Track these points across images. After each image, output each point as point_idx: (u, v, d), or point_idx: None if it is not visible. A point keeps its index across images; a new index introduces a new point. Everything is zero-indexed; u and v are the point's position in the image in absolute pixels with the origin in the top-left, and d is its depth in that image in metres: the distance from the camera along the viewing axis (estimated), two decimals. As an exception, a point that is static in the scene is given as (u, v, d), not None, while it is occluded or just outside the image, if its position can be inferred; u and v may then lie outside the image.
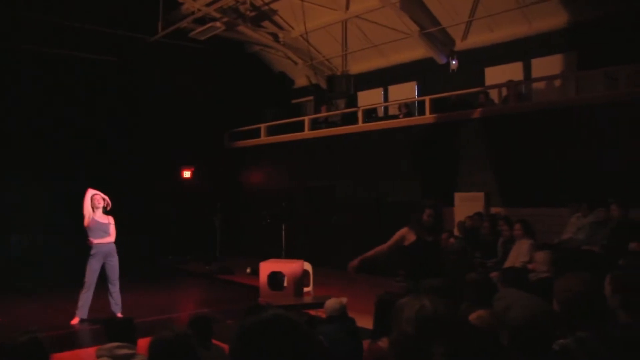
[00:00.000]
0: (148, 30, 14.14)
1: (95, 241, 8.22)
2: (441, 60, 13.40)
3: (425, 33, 13.14)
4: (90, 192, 8.45)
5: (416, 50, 13.83)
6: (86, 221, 8.32)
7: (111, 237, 8.31)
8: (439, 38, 13.40)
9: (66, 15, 13.04)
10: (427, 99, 12.44)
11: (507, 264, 8.01)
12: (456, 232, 10.41)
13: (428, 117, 12.19)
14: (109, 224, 8.35)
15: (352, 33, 14.94)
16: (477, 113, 11.26)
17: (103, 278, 8.40)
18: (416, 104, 13.74)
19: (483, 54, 12.80)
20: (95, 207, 8.34)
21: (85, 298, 8.25)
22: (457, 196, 11.26)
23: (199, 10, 13.66)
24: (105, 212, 8.43)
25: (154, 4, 13.79)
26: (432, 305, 1.89)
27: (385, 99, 15.35)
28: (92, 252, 8.28)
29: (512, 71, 12.18)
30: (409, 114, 13.14)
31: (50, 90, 13.68)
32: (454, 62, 12.95)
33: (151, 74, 14.74)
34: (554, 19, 11.55)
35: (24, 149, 13.24)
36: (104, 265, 8.34)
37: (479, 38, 12.96)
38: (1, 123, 13.08)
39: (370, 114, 14.28)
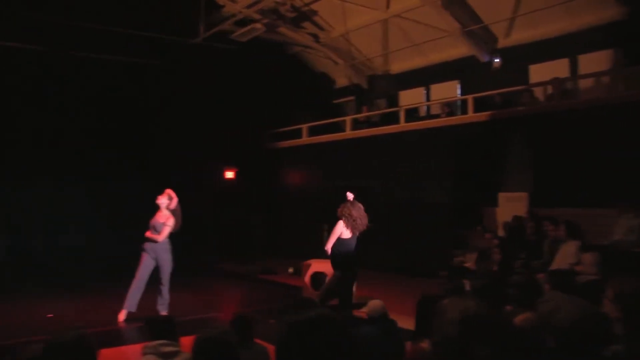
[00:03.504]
0: (189, 33, 14.34)
1: (146, 235, 8.42)
2: (483, 58, 13.20)
3: (467, 31, 12.96)
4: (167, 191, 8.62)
5: (458, 49, 13.65)
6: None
7: (158, 237, 8.42)
8: (481, 36, 13.20)
9: (109, 20, 13.32)
10: (469, 98, 12.27)
11: (554, 265, 7.85)
12: (500, 233, 10.25)
13: (470, 116, 12.03)
14: (163, 224, 8.45)
15: (393, 32, 14.84)
16: (521, 112, 11.05)
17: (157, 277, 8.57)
18: (458, 103, 13.57)
19: (527, 51, 12.54)
20: (160, 205, 8.52)
21: (133, 291, 8.41)
22: (501, 196, 11.07)
23: (240, 12, 13.78)
24: (171, 212, 8.55)
25: (194, 7, 13.97)
26: (476, 307, 1.86)
27: (428, 98, 15.20)
28: (144, 246, 8.47)
29: (557, 68, 11.90)
30: (451, 113, 12.99)
31: (95, 93, 14.00)
32: (496, 60, 12.74)
33: (193, 76, 14.94)
34: (602, 13, 11.22)
35: (71, 150, 13.60)
36: (156, 263, 8.49)
37: (522, 35, 12.71)
38: (49, 125, 13.43)
39: (412, 114, 14.16)
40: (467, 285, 5.21)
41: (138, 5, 13.67)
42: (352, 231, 6.92)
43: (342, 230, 6.88)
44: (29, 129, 13.28)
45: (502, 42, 13.11)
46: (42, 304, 9.59)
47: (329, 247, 7.06)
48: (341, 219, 7.03)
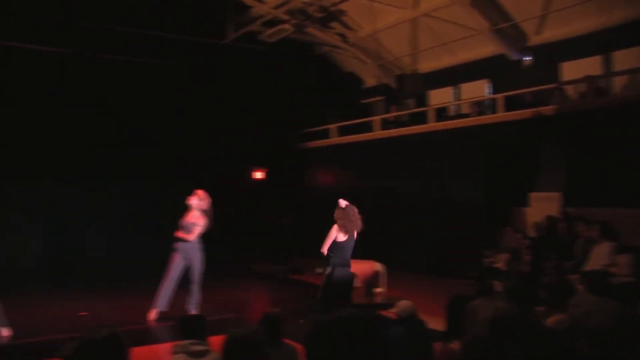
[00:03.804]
0: (218, 34, 14.45)
1: (177, 235, 8.51)
2: (514, 56, 13.03)
3: (497, 29, 12.82)
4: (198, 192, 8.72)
5: (487, 47, 13.51)
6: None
7: (189, 237, 8.50)
8: (511, 34, 13.04)
9: (138, 23, 13.50)
10: (499, 97, 12.14)
11: (587, 267, 7.71)
12: (531, 233, 10.11)
13: (500, 115, 11.89)
14: (195, 224, 8.54)
15: (422, 31, 14.75)
16: (552, 110, 10.89)
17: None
18: (488, 103, 13.43)
19: (558, 48, 12.35)
20: (191, 205, 8.61)
21: (164, 290, 8.51)
22: (532, 196, 10.92)
23: (268, 13, 13.83)
24: (203, 212, 8.64)
25: (223, 9, 14.07)
26: (507, 308, 1.83)
27: (457, 97, 15.07)
28: (175, 246, 8.57)
29: (589, 65, 11.70)
30: (480, 112, 12.87)
31: (125, 96, 14.21)
32: (527, 59, 12.57)
33: (222, 77, 15.05)
34: (635, 8, 10.95)
35: (102, 151, 13.82)
36: (187, 263, 8.58)
37: (553, 32, 12.51)
38: (81, 128, 13.65)
39: (441, 114, 14.06)
40: (498, 286, 5.16)
41: (167, 8, 13.84)
42: (346, 233, 7.18)
43: (336, 234, 7.19)
44: (65, 131, 13.53)
45: (533, 40, 12.93)
46: (76, 302, 9.76)
47: (324, 249, 7.33)
48: (336, 223, 7.32)
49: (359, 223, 7.35)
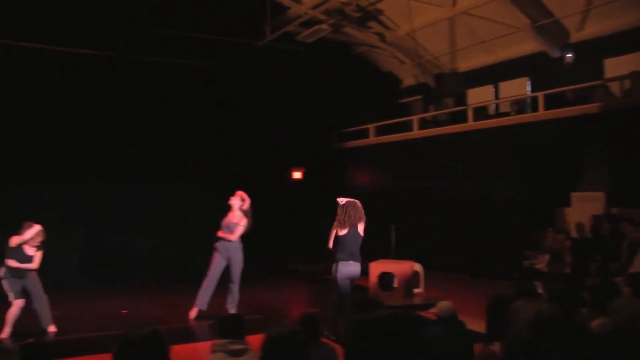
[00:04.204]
0: (255, 35, 14.55)
1: (219, 235, 8.61)
2: (555, 53, 12.77)
3: (537, 26, 12.59)
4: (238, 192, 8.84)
5: (527, 45, 13.28)
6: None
7: (231, 236, 8.60)
8: (552, 30, 12.78)
9: (176, 25, 13.68)
10: (540, 95, 11.92)
11: (633, 268, 7.51)
12: (573, 234, 9.90)
13: (541, 114, 11.68)
14: (237, 224, 8.64)
15: (460, 29, 14.59)
16: (595, 108, 10.64)
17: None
18: (528, 101, 13.20)
19: (601, 44, 12.04)
20: (233, 205, 8.73)
21: (205, 289, 8.62)
22: (574, 196, 10.70)
23: (305, 13, 13.87)
24: (243, 213, 8.72)
25: (260, 10, 14.16)
26: (550, 310, 1.79)
27: (496, 96, 14.86)
28: (216, 245, 8.67)
29: (634, 61, 11.38)
30: (520, 111, 12.66)
31: (162, 97, 14.43)
32: (569, 55, 12.30)
33: (260, 78, 15.16)
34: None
35: (143, 152, 14.06)
36: (228, 263, 8.67)
37: (596, 27, 12.21)
38: (119, 132, 13.91)
39: (480, 112, 13.89)
40: (539, 288, 5.07)
41: (203, 9, 13.99)
42: (344, 228, 7.41)
43: (337, 229, 7.50)
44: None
45: (575, 36, 12.65)
46: (118, 300, 9.96)
47: (330, 244, 7.61)
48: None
49: (358, 216, 7.52)
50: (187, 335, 7.87)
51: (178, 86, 14.56)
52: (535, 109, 12.20)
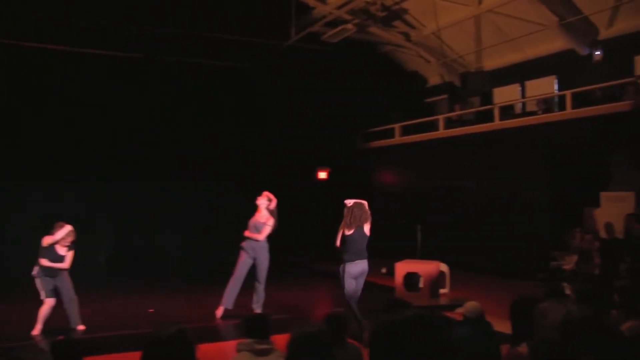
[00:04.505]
0: (281, 36, 14.60)
1: (246, 234, 8.68)
2: (583, 51, 12.58)
3: (565, 23, 12.41)
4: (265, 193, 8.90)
5: (555, 43, 13.10)
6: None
7: (258, 236, 8.65)
8: (580, 27, 12.58)
9: (201, 26, 13.78)
10: (567, 93, 11.76)
11: (663, 269, 7.37)
12: (603, 235, 9.75)
13: (569, 112, 11.52)
14: (264, 223, 8.69)
15: (486, 28, 14.45)
16: (625, 106, 10.46)
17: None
18: (556, 100, 13.03)
19: (632, 41, 11.81)
20: (259, 205, 8.79)
21: (231, 289, 8.68)
22: (603, 196, 10.53)
23: (330, 13, 13.87)
24: (270, 212, 8.78)
25: (285, 10, 14.20)
26: (580, 311, 1.76)
27: (523, 95, 14.69)
28: (243, 245, 8.73)
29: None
30: (547, 110, 12.50)
31: (188, 98, 14.58)
32: (597, 53, 12.11)
33: (285, 78, 15.20)
34: None
35: (169, 153, 14.22)
36: (254, 262, 8.72)
37: (626, 24, 11.98)
38: (145, 132, 14.08)
39: (507, 111, 13.74)
40: (567, 289, 5.00)
41: (229, 10, 14.07)
42: (350, 228, 7.66)
43: (343, 229, 7.74)
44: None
45: (604, 33, 12.43)
46: (144, 299, 10.07)
47: (337, 243, 7.80)
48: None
49: (364, 217, 7.79)
50: (213, 334, 7.93)
51: (203, 87, 14.69)
52: (562, 107, 12.04)
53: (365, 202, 7.98)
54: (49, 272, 7.72)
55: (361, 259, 7.71)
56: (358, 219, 7.72)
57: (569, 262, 9.61)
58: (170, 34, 13.66)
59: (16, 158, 12.74)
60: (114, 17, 13.02)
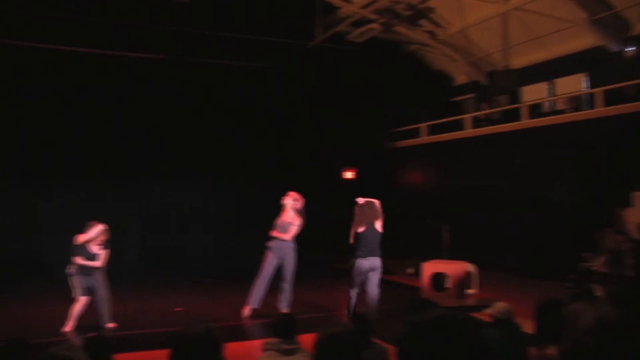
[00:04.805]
0: (306, 36, 14.63)
1: (272, 234, 8.73)
2: (614, 47, 12.36)
3: (595, 19, 12.20)
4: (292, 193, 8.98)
5: (584, 39, 12.88)
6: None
7: (285, 236, 8.69)
8: (611, 23, 12.34)
9: (228, 27, 13.87)
10: (597, 91, 11.57)
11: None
12: (635, 235, 9.57)
13: (599, 110, 11.34)
14: (291, 223, 8.73)
15: (513, 25, 14.26)
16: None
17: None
18: (586, 97, 12.82)
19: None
20: (286, 205, 8.86)
21: (257, 288, 8.73)
22: (636, 195, 10.33)
23: (356, 13, 13.85)
24: (297, 212, 8.83)
25: (310, 11, 14.22)
26: (614, 314, 1.72)
27: (551, 93, 14.49)
28: (269, 244, 8.78)
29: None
30: (577, 108, 12.32)
31: (215, 99, 14.69)
32: (630, 49, 11.88)
33: (311, 78, 15.23)
34: None
35: (197, 152, 14.35)
36: (281, 262, 8.76)
37: (660, 19, 11.76)
38: (173, 132, 14.23)
39: (535, 110, 13.57)
40: (597, 290, 4.92)
41: (255, 11, 14.13)
42: (362, 225, 8.08)
43: (356, 226, 8.17)
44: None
45: (637, 28, 12.18)
46: (173, 298, 10.18)
47: (351, 240, 8.26)
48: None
49: (375, 215, 8.16)
50: (240, 333, 7.99)
51: (231, 87, 14.78)
52: (592, 105, 11.85)
53: (376, 201, 8.32)
54: (85, 271, 7.84)
55: (372, 255, 8.06)
56: (369, 217, 8.10)
57: (599, 264, 9.46)
58: (196, 36, 13.78)
59: (47, 157, 13.01)
60: (145, 20, 13.19)
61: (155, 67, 14.03)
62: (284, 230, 8.69)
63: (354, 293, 8.27)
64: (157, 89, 14.03)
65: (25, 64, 12.93)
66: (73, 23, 12.64)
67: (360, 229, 8.09)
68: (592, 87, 12.67)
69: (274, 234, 8.74)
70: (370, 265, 8.08)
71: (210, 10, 13.71)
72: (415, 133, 16.46)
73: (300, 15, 14.37)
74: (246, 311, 8.76)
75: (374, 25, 13.81)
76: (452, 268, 9.75)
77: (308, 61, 15.00)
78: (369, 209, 8.18)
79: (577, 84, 13.65)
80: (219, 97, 14.73)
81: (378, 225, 8.19)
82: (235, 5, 13.93)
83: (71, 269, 7.88)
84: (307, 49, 14.78)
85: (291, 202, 8.83)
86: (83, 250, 7.84)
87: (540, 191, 12.29)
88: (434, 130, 15.96)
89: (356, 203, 8.33)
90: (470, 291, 10.17)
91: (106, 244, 8.03)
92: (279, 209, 8.92)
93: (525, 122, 12.97)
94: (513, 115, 13.73)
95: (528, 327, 5.08)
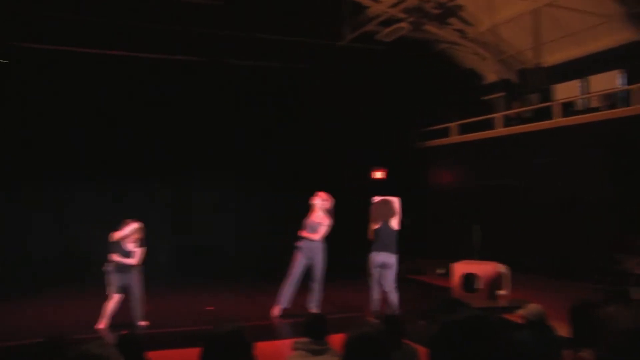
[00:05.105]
0: (335, 36, 14.63)
1: (301, 234, 8.77)
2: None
3: (632, 13, 11.90)
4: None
5: (620, 35, 12.60)
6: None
7: (315, 236, 8.71)
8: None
9: (258, 28, 13.94)
10: (634, 87, 11.32)
11: None
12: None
13: (636, 108, 11.09)
14: (320, 223, 8.76)
15: (545, 22, 14.03)
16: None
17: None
18: (621, 95, 12.55)
19: None
20: (315, 205, 8.91)
21: (287, 288, 8.76)
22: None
23: (385, 12, 13.80)
24: (328, 213, 8.88)
25: (339, 11, 14.21)
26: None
27: (585, 90, 14.22)
28: (298, 244, 8.81)
29: None
30: (612, 106, 12.07)
31: (243, 100, 14.78)
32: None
33: (340, 78, 15.21)
34: None
35: (221, 153, 14.47)
36: (310, 262, 8.78)
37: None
38: (203, 133, 14.35)
39: (568, 108, 13.35)
40: (633, 293, 4.82)
41: (284, 12, 14.18)
42: (376, 222, 8.51)
43: (372, 223, 8.57)
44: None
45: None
46: (204, 297, 10.28)
47: (370, 235, 8.59)
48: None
49: (390, 213, 8.52)
50: (270, 332, 8.03)
51: (258, 88, 14.86)
52: (629, 103, 11.60)
53: (395, 199, 8.71)
54: (121, 269, 7.95)
55: (385, 251, 8.34)
56: (384, 215, 8.48)
57: (633, 265, 9.26)
58: (224, 37, 13.88)
59: (80, 157, 13.24)
60: (175, 22, 13.33)
61: (192, 68, 14.20)
62: (313, 230, 8.71)
63: (373, 292, 8.57)
64: (191, 91, 14.21)
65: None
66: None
67: (376, 226, 8.47)
68: (629, 83, 12.39)
69: (304, 234, 8.76)
70: (382, 260, 8.35)
71: (238, 10, 13.78)
72: (445, 132, 16.34)
73: (328, 15, 14.38)
74: (276, 311, 8.79)
75: (402, 25, 13.73)
76: (483, 269, 9.65)
77: (337, 61, 14.99)
78: (384, 207, 8.56)
79: (612, 80, 13.36)
80: (247, 98, 14.80)
81: (394, 223, 8.52)
82: (263, 7, 13.99)
83: (108, 267, 7.99)
84: (336, 49, 14.77)
85: (320, 202, 8.85)
86: (119, 247, 7.94)
87: (573, 191, 12.09)
88: (463, 129, 15.82)
89: (372, 201, 8.70)
90: (502, 292, 10.03)
91: (141, 242, 8.14)
92: (307, 208, 8.95)
93: (558, 121, 12.77)
94: (544, 114, 13.52)
95: (561, 329, 5.00)
